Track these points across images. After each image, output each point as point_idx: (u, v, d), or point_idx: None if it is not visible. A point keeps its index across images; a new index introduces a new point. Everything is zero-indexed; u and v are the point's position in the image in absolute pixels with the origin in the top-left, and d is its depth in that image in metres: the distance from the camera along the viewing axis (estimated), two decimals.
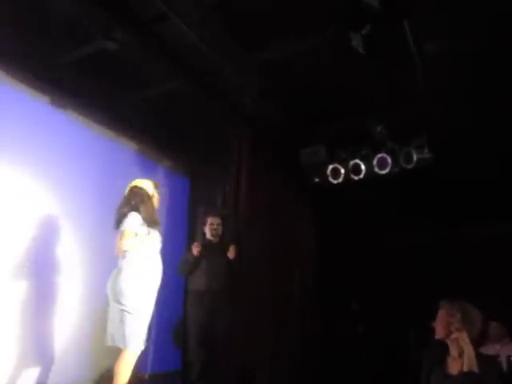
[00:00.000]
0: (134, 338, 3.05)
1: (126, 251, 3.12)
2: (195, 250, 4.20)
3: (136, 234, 3.15)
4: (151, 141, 5.01)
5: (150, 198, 3.33)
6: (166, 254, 5.09)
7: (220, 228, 4.44)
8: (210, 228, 4.42)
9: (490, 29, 3.34)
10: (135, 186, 3.33)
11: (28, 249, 3.67)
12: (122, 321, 3.08)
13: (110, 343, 3.12)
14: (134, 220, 3.15)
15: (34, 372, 3.60)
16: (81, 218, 4.05)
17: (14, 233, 3.61)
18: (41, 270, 3.77)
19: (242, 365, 4.35)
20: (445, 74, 3.88)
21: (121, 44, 3.59)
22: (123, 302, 3.08)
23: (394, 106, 4.29)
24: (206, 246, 4.31)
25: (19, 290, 3.59)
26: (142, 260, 3.17)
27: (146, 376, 4.76)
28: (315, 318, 4.65)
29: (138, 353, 3.11)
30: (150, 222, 3.24)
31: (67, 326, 3.87)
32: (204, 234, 4.49)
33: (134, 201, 3.25)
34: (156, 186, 3.45)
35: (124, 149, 4.81)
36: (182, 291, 4.98)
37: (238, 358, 4.38)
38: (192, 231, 5.33)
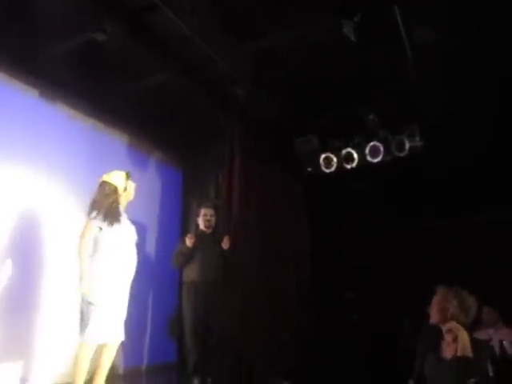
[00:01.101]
0: (93, 329, 3.01)
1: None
2: (189, 241, 4.19)
3: (101, 229, 3.14)
4: (142, 132, 4.98)
5: (115, 192, 3.27)
6: (160, 246, 5.14)
7: (213, 219, 4.43)
8: (204, 219, 4.41)
9: (482, 17, 3.34)
10: (102, 182, 3.28)
11: (11, 240, 3.66)
12: (82, 312, 3.07)
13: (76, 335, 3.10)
14: (94, 220, 3.13)
15: (16, 368, 3.59)
16: (69, 209, 4.04)
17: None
18: (24, 261, 3.76)
19: (238, 355, 4.37)
20: (436, 62, 3.88)
21: (110, 35, 3.54)
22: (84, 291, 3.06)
23: (385, 94, 4.29)
24: (200, 237, 4.30)
25: (1, 281, 3.56)
26: (111, 252, 3.14)
27: (143, 368, 4.78)
28: (310, 307, 4.68)
29: (93, 345, 3.06)
30: (112, 218, 3.19)
31: (50, 320, 3.86)
32: (197, 225, 4.49)
33: (99, 196, 3.22)
34: (128, 177, 3.38)
35: (115, 141, 4.78)
36: (177, 283, 5.00)
37: (233, 349, 4.40)
38: (185, 223, 5.33)
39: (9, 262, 3.64)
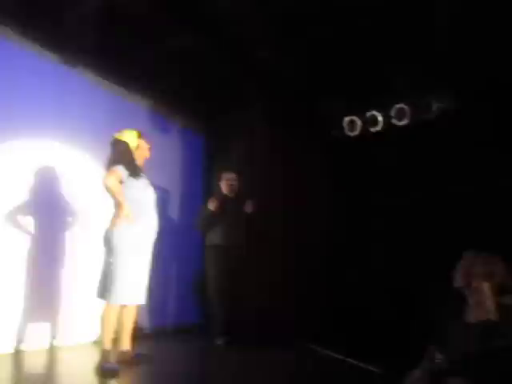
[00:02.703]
0: (115, 291, 3.08)
1: (119, 200, 3.12)
2: (212, 205, 4.22)
3: (121, 181, 3.16)
4: (163, 97, 4.94)
5: (128, 149, 3.29)
6: (183, 210, 5.19)
7: (236, 183, 4.45)
8: (227, 184, 4.43)
9: None
10: (114, 140, 3.32)
11: (39, 199, 3.77)
12: (105, 272, 3.14)
13: (96, 296, 3.18)
14: (120, 169, 3.16)
15: (42, 326, 3.73)
16: (91, 171, 4.11)
17: (22, 184, 3.69)
18: (48, 220, 3.86)
19: (261, 316, 4.45)
20: (468, 20, 3.68)
21: None
22: (111, 252, 3.12)
23: (413, 54, 4.11)
24: (223, 201, 4.32)
25: (26, 241, 3.68)
26: (136, 208, 3.17)
27: (169, 328, 4.93)
28: (330, 268, 4.69)
29: (117, 307, 3.14)
30: (132, 173, 3.23)
31: (76, 279, 3.98)
32: (220, 190, 4.50)
33: (114, 154, 3.26)
34: (140, 136, 3.40)
35: (135, 106, 4.77)
36: (200, 246, 5.07)
37: (256, 310, 4.48)
38: (207, 187, 5.34)
39: (37, 221, 3.75)
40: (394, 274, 4.27)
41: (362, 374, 3.19)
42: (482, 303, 2.28)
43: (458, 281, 2.38)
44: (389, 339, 3.54)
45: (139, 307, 3.45)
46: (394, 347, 3.26)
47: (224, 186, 4.45)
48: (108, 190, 3.12)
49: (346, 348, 3.67)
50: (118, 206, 3.14)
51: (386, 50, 4.12)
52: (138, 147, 3.35)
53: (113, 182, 3.11)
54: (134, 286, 3.17)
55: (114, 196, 3.13)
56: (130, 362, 3.26)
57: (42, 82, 3.84)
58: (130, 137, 3.34)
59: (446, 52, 4.00)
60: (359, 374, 3.22)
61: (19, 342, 3.56)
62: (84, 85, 4.21)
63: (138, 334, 3.55)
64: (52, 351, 3.68)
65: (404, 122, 4.44)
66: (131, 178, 3.21)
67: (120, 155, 3.24)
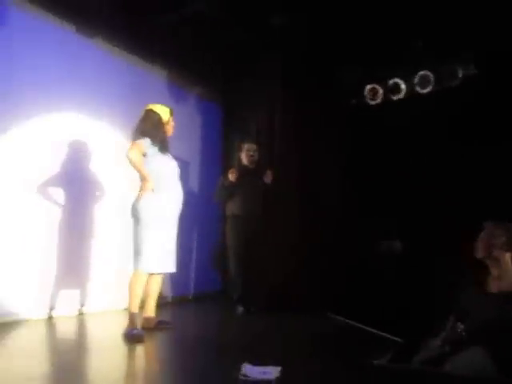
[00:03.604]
0: (143, 260, 3.15)
1: (142, 173, 3.15)
2: (231, 176, 4.23)
3: (145, 155, 3.19)
4: (181, 67, 4.90)
5: (161, 123, 3.32)
6: (202, 181, 5.23)
7: (256, 154, 4.44)
8: (247, 154, 4.42)
9: None
10: (149, 110, 3.33)
11: (63, 172, 3.84)
12: (135, 242, 3.21)
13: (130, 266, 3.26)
14: (144, 142, 3.18)
15: (72, 294, 3.87)
16: (110, 145, 4.14)
17: (52, 158, 3.76)
18: (78, 192, 3.96)
19: (279, 285, 4.51)
20: None
21: None
22: (138, 223, 3.18)
23: (437, 17, 3.96)
24: (243, 172, 4.33)
25: (57, 212, 3.78)
26: (160, 181, 3.22)
27: (190, 296, 5.04)
28: (349, 240, 4.69)
29: (145, 275, 3.22)
30: (160, 148, 3.26)
31: (105, 249, 4.09)
32: (240, 160, 4.50)
33: (145, 124, 3.27)
34: (172, 113, 3.43)
35: (153, 76, 4.75)
36: (219, 217, 5.12)
37: (274, 279, 4.53)
38: (226, 158, 5.35)
39: (67, 193, 3.85)
40: (413, 244, 4.26)
41: (380, 341, 3.22)
42: (504, 273, 2.27)
43: (480, 251, 2.36)
44: (408, 309, 3.56)
45: (164, 276, 3.53)
46: (412, 316, 3.28)
47: (244, 157, 4.44)
48: (130, 162, 3.15)
49: (364, 317, 3.71)
50: (142, 178, 3.18)
51: (409, 13, 3.97)
52: (167, 122, 3.37)
53: (135, 154, 3.14)
54: (161, 255, 3.24)
55: (136, 169, 3.17)
56: (154, 328, 3.37)
57: (59, 55, 3.84)
58: (163, 111, 3.36)
59: (472, 15, 3.84)
60: (377, 341, 3.26)
61: (51, 308, 3.71)
62: (101, 57, 4.20)
63: (161, 302, 3.64)
64: (82, 317, 3.82)
65: (428, 90, 4.32)
66: (156, 152, 3.23)
67: (151, 126, 3.26)
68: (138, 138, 3.20)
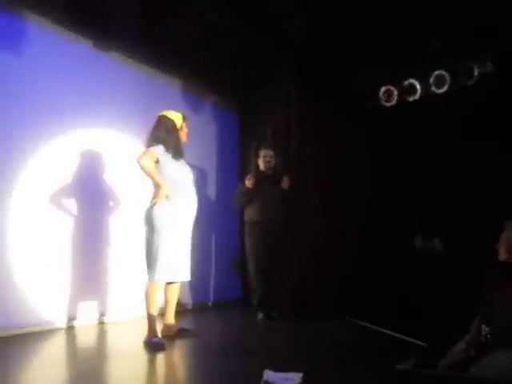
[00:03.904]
0: (157, 269, 3.14)
1: (155, 180, 3.16)
2: (248, 182, 4.24)
3: (157, 161, 3.19)
4: (196, 76, 4.94)
5: (175, 129, 3.33)
6: (220, 188, 5.25)
7: (273, 160, 4.44)
8: (264, 160, 4.43)
9: None
10: (162, 116, 3.34)
11: (82, 182, 3.91)
12: (147, 251, 3.20)
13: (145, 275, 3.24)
14: (157, 149, 3.19)
15: (91, 304, 3.91)
16: (127, 155, 4.15)
17: (63, 167, 3.81)
18: (92, 202, 4.01)
19: (299, 291, 4.49)
20: None
21: None
22: (152, 231, 3.17)
23: (452, 16, 3.92)
24: (260, 177, 4.35)
25: (73, 223, 3.83)
26: (175, 188, 3.21)
27: (210, 303, 5.06)
28: (368, 244, 4.64)
29: (160, 284, 3.23)
30: (174, 154, 3.27)
31: (122, 258, 4.12)
32: (257, 166, 4.50)
33: (158, 131, 3.28)
34: (185, 119, 3.44)
35: (169, 86, 4.80)
36: (237, 223, 5.13)
37: (294, 285, 4.52)
38: (243, 164, 5.36)
39: (82, 203, 3.90)
40: (436, 246, 4.19)
41: (405, 346, 3.18)
42: None
43: (503, 254, 2.32)
44: (433, 313, 3.50)
45: (182, 284, 3.54)
46: (437, 320, 3.23)
47: (261, 163, 4.45)
48: (142, 169, 3.16)
49: (386, 321, 3.66)
50: (155, 185, 3.19)
51: (424, 13, 3.93)
52: (181, 128, 3.38)
53: (146, 161, 3.14)
54: (175, 264, 3.23)
55: (148, 176, 3.18)
56: (174, 336, 3.39)
57: (74, 66, 3.91)
58: (176, 117, 3.37)
59: (488, 13, 3.79)
60: (402, 347, 3.21)
61: (72, 317, 3.76)
62: (116, 67, 4.26)
63: (181, 310, 3.66)
64: (102, 326, 3.86)
65: (443, 90, 4.27)
66: (170, 158, 3.24)
67: (164, 133, 3.26)
68: (152, 145, 3.21)
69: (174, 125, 3.33)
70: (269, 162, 4.43)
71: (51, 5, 3.65)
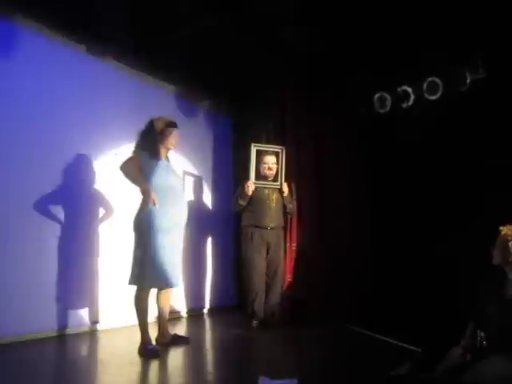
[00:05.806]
0: (146, 276, 3.10)
1: (140, 187, 3.12)
2: (248, 189, 4.24)
3: (142, 168, 3.16)
4: (189, 82, 4.94)
5: (163, 135, 3.28)
6: (214, 195, 5.24)
7: (275, 166, 4.43)
8: (266, 166, 4.41)
9: None
10: (149, 122, 3.31)
11: (70, 189, 3.86)
12: (135, 258, 3.16)
13: (128, 283, 3.20)
14: (141, 156, 3.18)
15: (83, 312, 3.87)
16: (118, 159, 4.15)
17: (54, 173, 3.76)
18: (83, 209, 3.96)
19: (298, 298, 4.48)
20: None
21: None
22: (141, 237, 3.14)
23: (445, 23, 3.95)
24: (260, 182, 4.36)
25: (62, 228, 3.78)
26: (164, 194, 3.16)
27: (205, 310, 5.02)
28: (366, 250, 4.65)
29: (148, 291, 3.18)
30: (161, 160, 3.25)
31: (113, 267, 4.08)
32: (259, 172, 4.45)
33: (145, 137, 3.26)
34: (174, 125, 3.37)
35: (162, 91, 4.79)
36: (232, 229, 5.12)
37: (292, 291, 4.50)
38: (237, 170, 5.34)
39: (73, 209, 3.85)
40: (431, 252, 4.20)
41: (400, 352, 3.17)
42: None
43: (497, 257, 2.33)
44: (428, 317, 3.50)
45: (177, 290, 3.51)
46: (433, 325, 3.23)
47: (263, 170, 4.43)
48: (125, 176, 3.14)
49: (384, 327, 3.66)
50: (141, 192, 3.14)
51: (415, 19, 3.97)
52: (161, 132, 3.28)
53: (128, 168, 3.12)
54: (165, 271, 3.16)
55: (133, 182, 3.15)
56: (169, 342, 3.36)
57: (67, 71, 3.90)
58: (164, 123, 3.33)
59: (481, 18, 3.83)
60: (397, 352, 3.20)
61: (63, 325, 3.71)
62: (109, 72, 4.25)
63: (175, 317, 3.63)
64: (95, 334, 3.82)
65: (436, 96, 4.30)
66: (154, 164, 3.20)
67: (151, 139, 3.23)
68: (137, 152, 3.20)
69: (161, 131, 3.27)
70: (270, 168, 4.41)
71: (43, 8, 3.63)
